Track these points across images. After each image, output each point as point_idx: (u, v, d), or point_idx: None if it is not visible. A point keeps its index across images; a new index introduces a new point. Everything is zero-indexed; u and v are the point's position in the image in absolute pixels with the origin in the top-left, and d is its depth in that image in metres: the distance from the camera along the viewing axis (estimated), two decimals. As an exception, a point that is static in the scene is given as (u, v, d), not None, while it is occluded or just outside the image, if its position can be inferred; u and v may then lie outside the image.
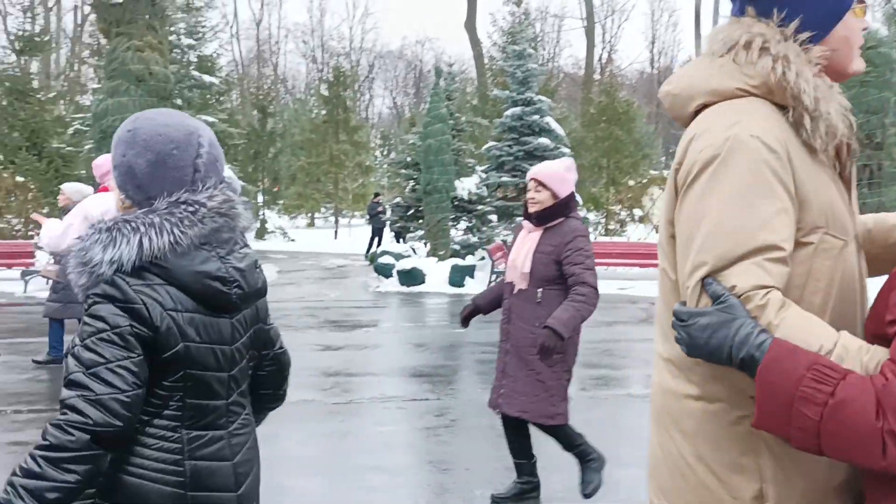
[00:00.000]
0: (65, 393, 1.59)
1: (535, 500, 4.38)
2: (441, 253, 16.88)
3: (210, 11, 28.77)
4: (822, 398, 1.19)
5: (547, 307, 3.96)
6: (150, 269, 1.67)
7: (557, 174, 4.09)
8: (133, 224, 1.67)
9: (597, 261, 18.28)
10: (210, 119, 19.02)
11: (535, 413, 4.04)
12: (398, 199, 21.53)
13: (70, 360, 1.62)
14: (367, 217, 25.62)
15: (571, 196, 4.13)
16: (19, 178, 18.83)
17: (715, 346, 1.31)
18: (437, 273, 15.62)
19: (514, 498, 4.35)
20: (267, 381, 2.04)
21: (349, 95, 33.02)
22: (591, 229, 20.65)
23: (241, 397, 1.87)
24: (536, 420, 4.07)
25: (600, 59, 49.25)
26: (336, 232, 31.02)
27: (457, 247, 17.55)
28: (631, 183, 20.25)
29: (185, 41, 20.06)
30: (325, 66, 57.65)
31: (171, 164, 1.72)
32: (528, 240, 4.12)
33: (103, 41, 17.96)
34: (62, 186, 7.96)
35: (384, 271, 16.14)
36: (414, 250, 17.71)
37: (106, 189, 5.28)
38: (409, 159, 20.95)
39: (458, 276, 15.48)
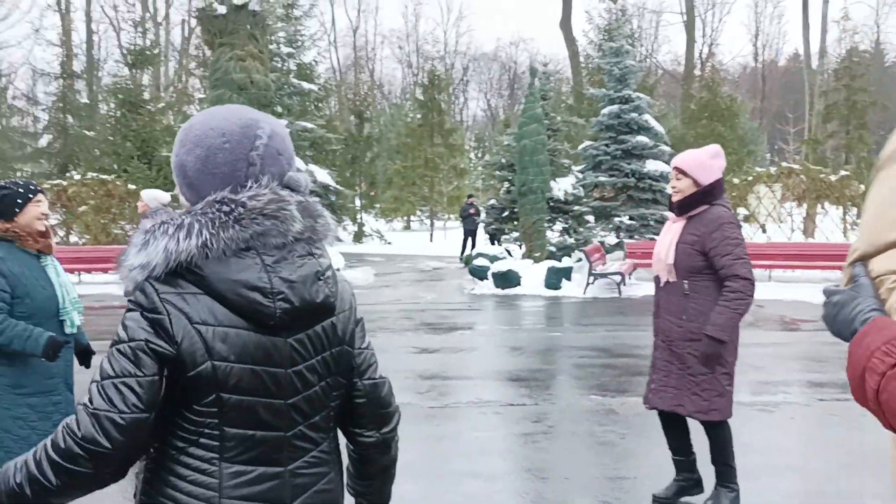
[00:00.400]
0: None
1: (698, 497, 4.22)
2: (536, 255, 16.67)
3: (308, 20, 29.49)
4: (882, 368, 1.19)
5: (695, 299, 3.87)
6: (185, 275, 1.49)
7: (698, 160, 3.92)
8: (166, 226, 1.50)
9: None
10: (308, 125, 19.47)
11: (689, 407, 3.92)
12: (493, 201, 21.43)
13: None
14: (460, 219, 25.62)
15: (717, 183, 3.91)
16: (131, 186, 19.72)
17: (840, 322, 1.36)
18: (532, 275, 15.44)
19: (675, 496, 4.22)
20: (361, 419, 1.75)
21: (443, 99, 33.17)
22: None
23: (312, 431, 1.62)
24: (691, 414, 3.95)
25: (701, 54, 47.80)
26: (431, 234, 31.19)
27: (553, 248, 17.30)
28: (735, 181, 19.47)
29: (285, 49, 20.56)
30: (419, 70, 58.22)
31: (222, 158, 1.54)
32: (670, 230, 4.00)
33: (208, 53, 18.59)
34: (141, 193, 8.11)
35: (479, 273, 16.07)
36: (509, 252, 17.56)
37: None
38: (503, 161, 20.82)
39: (555, 279, 15.25)
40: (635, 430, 5.89)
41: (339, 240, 19.04)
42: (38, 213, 3.71)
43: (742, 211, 19.40)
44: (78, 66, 31.24)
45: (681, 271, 3.90)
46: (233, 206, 1.50)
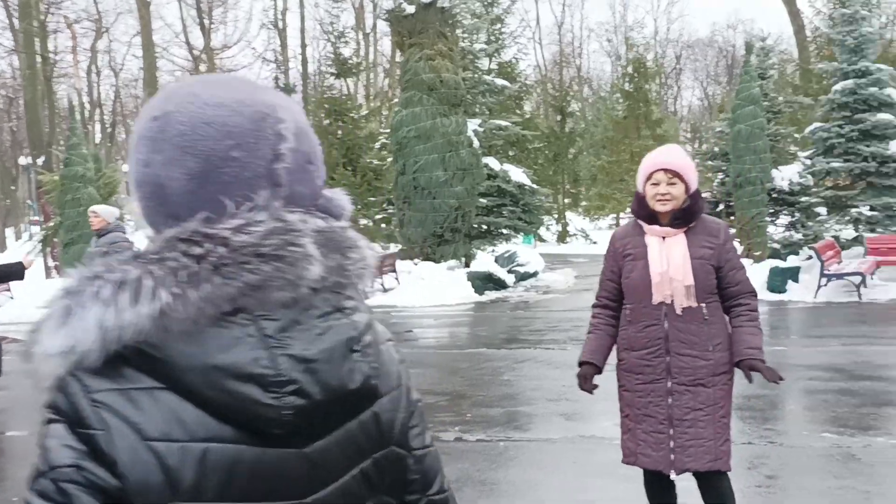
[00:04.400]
0: None
1: None
2: (757, 253, 14.84)
3: (508, 17, 28.97)
4: None
5: (714, 325, 3.25)
6: (132, 359, 0.92)
7: (688, 162, 3.33)
8: (100, 284, 0.92)
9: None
10: (503, 123, 18.77)
11: (726, 459, 3.26)
12: (706, 195, 19.57)
13: None
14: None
15: (698, 189, 3.36)
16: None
17: None
18: (752, 277, 13.67)
19: None
20: None
21: (652, 88, 31.30)
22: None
23: None
24: (726, 467, 3.27)
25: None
26: (641, 232, 29.51)
27: (776, 245, 15.33)
28: None
29: (478, 46, 20.08)
30: (628, 61, 56.16)
31: (231, 174, 0.96)
32: (673, 246, 3.26)
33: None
34: (94, 208, 7.45)
35: (690, 275, 14.52)
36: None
37: None
38: (716, 149, 18.93)
39: (779, 280, 13.39)
40: (885, 484, 4.52)
41: (543, 240, 18.30)
42: None
43: None
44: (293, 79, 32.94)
45: (700, 293, 3.23)
46: (209, 245, 0.93)
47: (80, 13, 37.73)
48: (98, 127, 66.85)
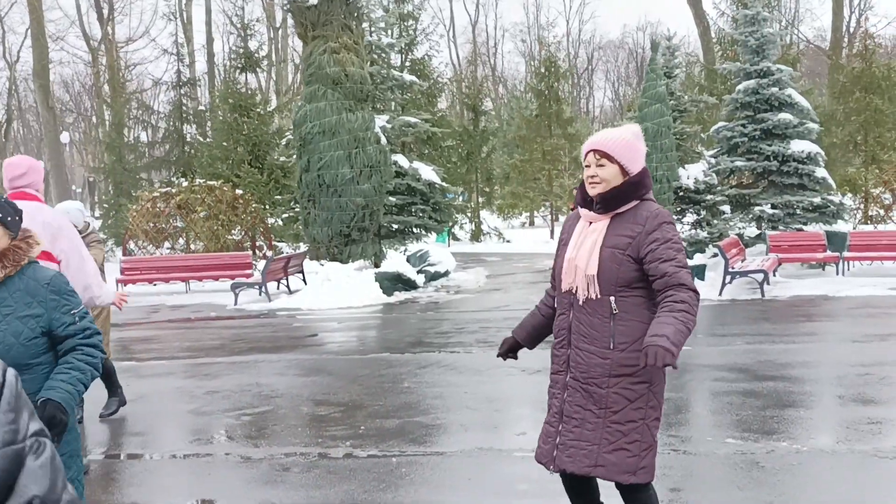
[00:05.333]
0: None
1: None
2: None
3: (421, 13, 28.56)
4: None
5: (625, 321, 2.98)
6: None
7: (624, 142, 3.08)
8: None
9: (855, 254, 15.09)
10: (412, 120, 18.37)
11: (612, 468, 2.97)
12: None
13: None
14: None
15: (646, 172, 3.11)
16: (238, 191, 19.34)
17: None
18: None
19: None
20: None
21: (564, 88, 31.45)
22: (846, 217, 17.51)
23: None
24: (613, 477, 3.00)
25: (848, 25, 43.49)
26: (552, 231, 29.60)
27: (683, 244, 15.44)
28: (897, 160, 16.91)
29: (386, 40, 19.60)
30: (540, 61, 56.63)
31: None
32: (590, 233, 3.08)
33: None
34: (59, 206, 6.78)
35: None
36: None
37: (20, 195, 4.20)
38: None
39: (685, 278, 13.44)
40: (787, 494, 4.33)
41: (457, 239, 17.96)
42: None
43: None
44: (200, 73, 31.74)
45: (607, 284, 2.99)
46: None
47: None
48: (-9, 122, 63.32)
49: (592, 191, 3.07)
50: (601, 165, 3.06)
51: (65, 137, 45.62)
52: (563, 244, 3.21)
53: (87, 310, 2.92)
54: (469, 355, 8.83)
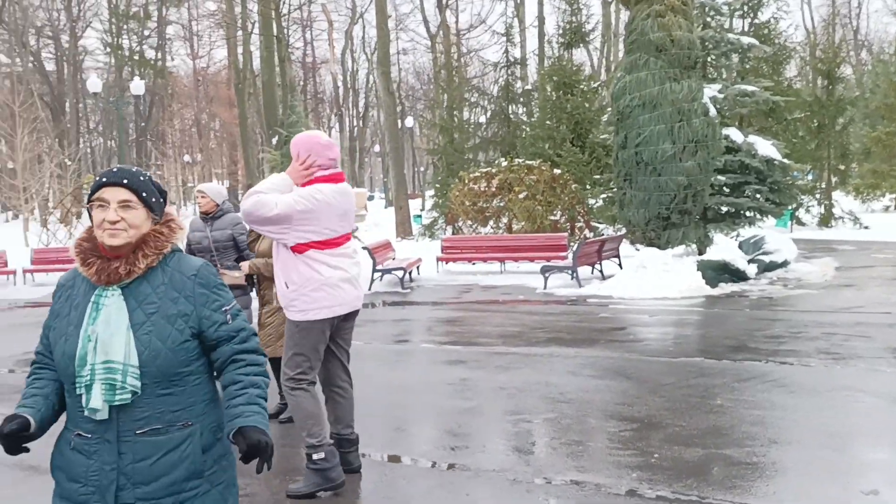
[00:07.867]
0: None
1: None
2: None
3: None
4: None
5: None
6: None
7: None
8: None
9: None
10: (749, 88, 16.21)
11: None
12: None
13: None
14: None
15: None
16: (556, 171, 18.77)
17: None
18: None
19: None
20: None
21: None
22: None
23: None
24: None
25: None
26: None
27: None
28: None
29: (721, 1, 17.53)
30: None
31: None
32: None
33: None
34: (203, 188, 6.50)
35: None
36: None
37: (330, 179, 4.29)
38: None
39: None
40: None
41: (801, 223, 15.40)
42: (98, 219, 2.26)
43: None
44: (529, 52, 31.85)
45: None
46: None
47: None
48: (353, 112, 70.62)
49: None
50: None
51: (409, 122, 49.19)
52: None
53: (239, 307, 2.35)
54: (806, 369, 7.19)
